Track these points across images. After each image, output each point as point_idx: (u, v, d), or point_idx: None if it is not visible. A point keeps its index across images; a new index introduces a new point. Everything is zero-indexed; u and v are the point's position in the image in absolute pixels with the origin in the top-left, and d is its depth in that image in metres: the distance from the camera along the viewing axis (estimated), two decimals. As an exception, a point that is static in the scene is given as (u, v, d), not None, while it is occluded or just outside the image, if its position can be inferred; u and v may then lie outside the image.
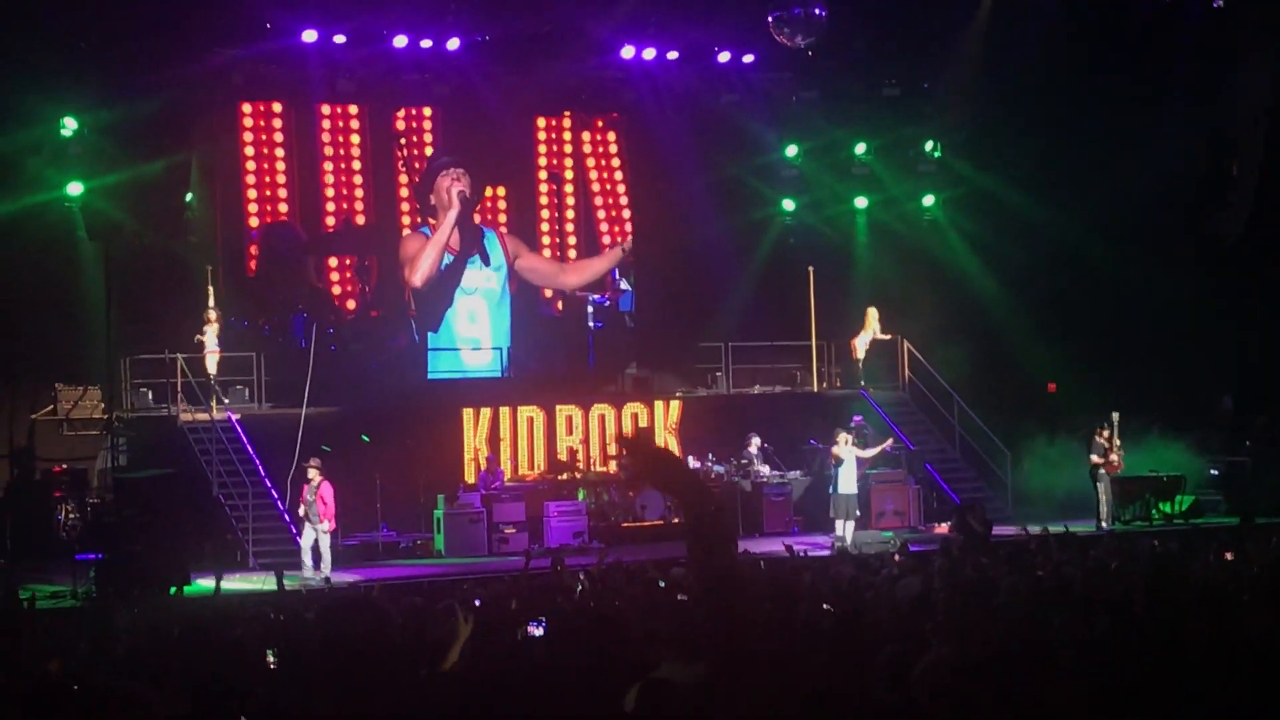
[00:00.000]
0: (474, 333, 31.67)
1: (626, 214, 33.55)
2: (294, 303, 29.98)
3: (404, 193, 31.79)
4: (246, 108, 30.40)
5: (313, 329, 28.08)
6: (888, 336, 31.84)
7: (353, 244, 31.66)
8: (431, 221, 30.82)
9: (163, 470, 24.47)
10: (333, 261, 31.51)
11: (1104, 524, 27.22)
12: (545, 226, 33.24)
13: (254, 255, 30.54)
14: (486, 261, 31.31)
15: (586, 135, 33.41)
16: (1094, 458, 28.15)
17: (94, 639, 13.68)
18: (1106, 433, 28.10)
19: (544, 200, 33.33)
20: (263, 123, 30.64)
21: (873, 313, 31.74)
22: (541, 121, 33.02)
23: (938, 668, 5.10)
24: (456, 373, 31.35)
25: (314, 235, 31.31)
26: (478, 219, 31.47)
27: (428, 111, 31.78)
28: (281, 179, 30.75)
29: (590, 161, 33.52)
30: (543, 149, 33.13)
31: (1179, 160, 31.73)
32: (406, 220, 31.73)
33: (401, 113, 31.59)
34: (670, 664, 6.33)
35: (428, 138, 31.91)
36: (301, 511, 23.92)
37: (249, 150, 30.43)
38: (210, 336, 27.50)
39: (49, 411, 27.70)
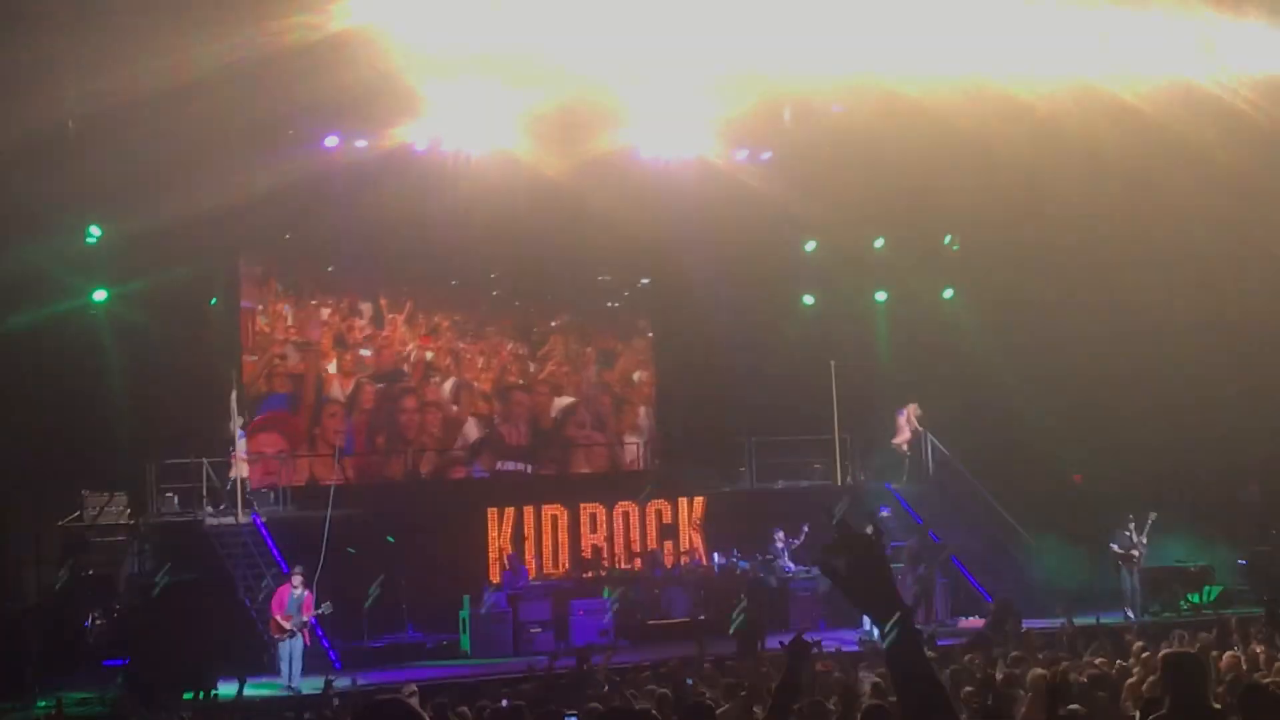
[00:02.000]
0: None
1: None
2: None
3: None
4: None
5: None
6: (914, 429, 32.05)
7: None
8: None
9: (189, 576, 24.51)
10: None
11: (1130, 614, 27.06)
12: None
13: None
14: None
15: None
16: (1115, 548, 28.08)
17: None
18: (1133, 524, 27.99)
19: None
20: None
21: (912, 408, 32.03)
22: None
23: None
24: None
25: None
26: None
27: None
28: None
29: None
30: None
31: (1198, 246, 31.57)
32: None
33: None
34: None
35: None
36: (287, 620, 23.47)
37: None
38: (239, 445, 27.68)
39: (75, 518, 27.73)
